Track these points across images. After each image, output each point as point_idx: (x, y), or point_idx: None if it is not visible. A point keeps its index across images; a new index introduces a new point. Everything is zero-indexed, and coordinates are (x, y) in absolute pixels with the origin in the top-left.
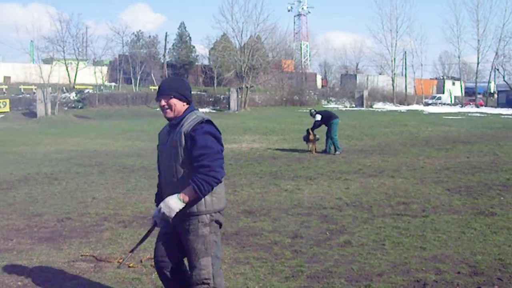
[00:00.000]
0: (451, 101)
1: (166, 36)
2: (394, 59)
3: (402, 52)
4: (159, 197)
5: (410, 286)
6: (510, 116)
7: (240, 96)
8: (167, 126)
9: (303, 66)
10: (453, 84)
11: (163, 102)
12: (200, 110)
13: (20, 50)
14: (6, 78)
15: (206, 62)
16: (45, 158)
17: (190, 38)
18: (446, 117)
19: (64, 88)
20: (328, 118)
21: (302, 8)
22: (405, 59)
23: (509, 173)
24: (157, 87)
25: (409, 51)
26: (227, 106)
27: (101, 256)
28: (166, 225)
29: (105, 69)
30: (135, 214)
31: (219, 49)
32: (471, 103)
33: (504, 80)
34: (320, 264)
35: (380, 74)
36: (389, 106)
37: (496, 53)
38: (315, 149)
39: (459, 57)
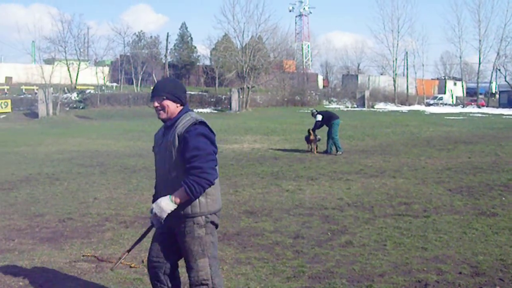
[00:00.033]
0: (452, 102)
1: (167, 36)
2: (396, 59)
3: (403, 52)
4: (156, 198)
5: (412, 287)
6: (511, 117)
7: (241, 97)
8: (163, 127)
9: (304, 67)
10: (455, 84)
11: (156, 103)
12: (202, 110)
13: (22, 51)
14: (8, 79)
15: (207, 62)
16: (47, 159)
17: (191, 38)
18: (447, 117)
19: (65, 88)
20: (329, 118)
21: (304, 9)
22: (407, 59)
23: (510, 174)
24: None
25: (410, 51)
26: (229, 106)
27: (103, 257)
28: (162, 225)
29: (106, 69)
30: (136, 214)
31: (220, 50)
32: (472, 104)
33: (505, 81)
34: (321, 264)
35: (381, 74)
36: (391, 107)
37: (498, 54)
38: (316, 149)
39: (460, 58)
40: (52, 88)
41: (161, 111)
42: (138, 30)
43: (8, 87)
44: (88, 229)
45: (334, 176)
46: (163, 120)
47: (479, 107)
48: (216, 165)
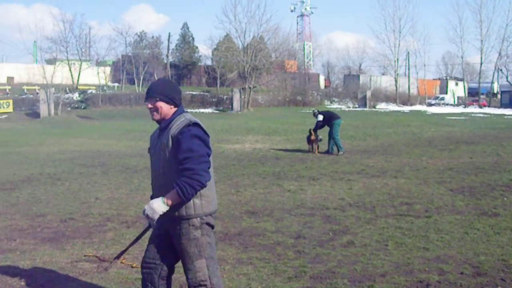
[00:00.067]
0: (454, 102)
1: (169, 36)
2: (397, 59)
3: (405, 52)
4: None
5: (413, 287)
6: None
7: (243, 97)
8: (158, 129)
9: (306, 67)
10: (456, 84)
11: (149, 105)
12: (203, 110)
13: (23, 51)
14: (9, 79)
15: (209, 62)
16: (48, 159)
17: (193, 38)
18: (449, 117)
19: (67, 88)
20: (330, 118)
21: (305, 9)
22: (408, 60)
23: None
24: None
25: (412, 51)
26: (230, 106)
27: (104, 257)
28: (158, 227)
29: (108, 69)
30: (138, 214)
31: (222, 50)
32: (474, 104)
33: (507, 81)
34: (323, 264)
35: (383, 74)
36: (392, 107)
37: (499, 54)
38: (318, 149)
39: (462, 58)
40: (53, 88)
41: (155, 113)
42: (139, 30)
43: (9, 87)
44: (90, 229)
45: (335, 176)
46: (157, 122)
47: (480, 107)
48: (209, 167)
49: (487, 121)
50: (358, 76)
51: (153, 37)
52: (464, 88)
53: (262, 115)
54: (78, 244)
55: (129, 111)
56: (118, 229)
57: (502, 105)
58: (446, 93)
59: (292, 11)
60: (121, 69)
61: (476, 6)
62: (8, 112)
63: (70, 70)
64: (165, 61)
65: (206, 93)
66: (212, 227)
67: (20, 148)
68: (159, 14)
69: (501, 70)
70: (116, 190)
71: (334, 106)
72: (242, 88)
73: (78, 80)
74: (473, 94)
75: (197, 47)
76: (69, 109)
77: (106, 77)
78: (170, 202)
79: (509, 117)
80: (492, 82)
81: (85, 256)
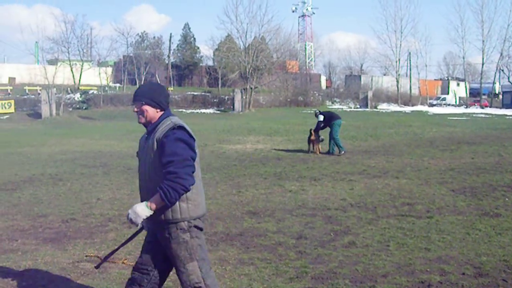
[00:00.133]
0: (455, 102)
1: (170, 37)
2: (399, 60)
3: (406, 53)
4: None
5: (415, 287)
6: None
7: (244, 97)
8: (146, 132)
9: (307, 67)
10: (458, 85)
11: (135, 108)
12: (205, 111)
13: (25, 51)
14: (11, 79)
15: (210, 63)
16: (50, 159)
17: (194, 39)
18: (450, 118)
19: (68, 89)
20: (330, 118)
21: (307, 9)
22: (410, 60)
23: None
24: None
25: (413, 52)
26: (232, 107)
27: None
28: (149, 234)
29: (109, 70)
30: None
31: (223, 50)
32: (475, 104)
33: (509, 81)
34: (324, 265)
35: (384, 75)
36: (394, 107)
37: (501, 54)
38: (319, 150)
39: (463, 58)
40: (55, 89)
41: (140, 116)
42: (141, 30)
43: (11, 87)
44: (91, 229)
45: (337, 176)
46: (144, 125)
47: (482, 108)
48: (193, 171)
49: (488, 121)
50: (360, 76)
51: (154, 37)
52: (466, 89)
53: (263, 116)
54: (80, 244)
55: (130, 111)
56: (120, 229)
57: (504, 106)
58: (448, 94)
59: (293, 11)
60: (123, 70)
61: (478, 6)
62: (9, 113)
63: (71, 70)
64: (167, 62)
65: (207, 94)
66: (201, 229)
67: (21, 149)
68: (161, 14)
69: (502, 70)
70: (118, 190)
71: (336, 107)
72: (244, 89)
73: (79, 81)
74: (474, 95)
75: (198, 48)
76: (70, 109)
77: (107, 78)
78: (154, 206)
79: (510, 117)
80: (494, 83)
81: (86, 256)
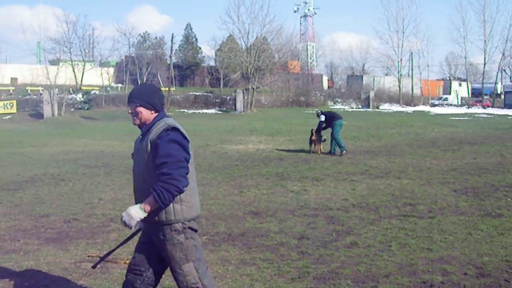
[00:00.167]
0: (457, 102)
1: (172, 37)
2: (401, 60)
3: (408, 53)
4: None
5: (417, 287)
6: None
7: (246, 97)
8: (140, 134)
9: (309, 67)
10: (460, 85)
11: (130, 110)
12: (207, 111)
13: (27, 52)
14: (13, 80)
15: (212, 63)
16: (52, 159)
17: (196, 39)
18: (452, 118)
19: (70, 89)
20: (331, 118)
21: (308, 9)
22: (412, 60)
23: None
24: (163, 89)
25: (415, 52)
26: (233, 107)
27: (108, 257)
28: (143, 235)
29: (111, 70)
30: None
31: (225, 50)
32: (477, 104)
33: (511, 81)
34: (326, 265)
35: (386, 75)
36: (396, 107)
37: (503, 54)
38: (320, 150)
39: (465, 58)
40: (57, 89)
41: (135, 118)
42: (143, 31)
43: (13, 88)
44: (93, 229)
45: (339, 176)
46: (138, 127)
47: (484, 108)
48: (187, 173)
49: (490, 121)
50: (362, 76)
51: (156, 38)
52: (468, 89)
53: (265, 116)
54: (82, 244)
55: None
56: (122, 229)
57: (506, 106)
58: (450, 94)
59: (295, 11)
60: (125, 70)
61: (480, 6)
62: (11, 113)
63: (73, 71)
64: (169, 62)
65: (209, 94)
66: (195, 231)
67: (23, 149)
68: (163, 15)
69: (504, 70)
70: (120, 190)
71: (337, 107)
72: (245, 89)
73: (81, 81)
74: (476, 95)
75: (200, 48)
76: (72, 109)
77: (109, 78)
78: (148, 208)
79: None
80: (496, 83)
81: (88, 256)
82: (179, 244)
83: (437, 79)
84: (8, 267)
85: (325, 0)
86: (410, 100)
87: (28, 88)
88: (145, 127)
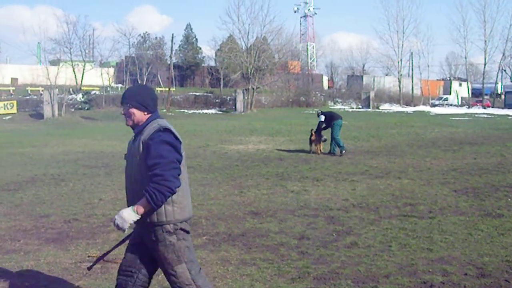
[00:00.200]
0: (458, 102)
1: (172, 37)
2: (401, 60)
3: (408, 53)
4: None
5: None
6: None
7: (246, 97)
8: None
9: (309, 67)
10: (460, 85)
11: (123, 111)
12: (207, 111)
13: (27, 52)
14: (13, 80)
15: (212, 63)
16: (52, 160)
17: (196, 39)
18: (453, 118)
19: (71, 89)
20: (331, 118)
21: (309, 9)
22: (412, 60)
23: None
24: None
25: (415, 52)
26: (234, 107)
27: (108, 257)
28: (135, 236)
29: (111, 70)
30: None
31: (225, 51)
32: (478, 104)
33: (511, 81)
34: (326, 265)
35: (386, 75)
36: (396, 107)
37: (503, 54)
38: (320, 150)
39: (466, 58)
40: (57, 89)
41: (128, 119)
42: (143, 31)
43: (13, 88)
44: (94, 229)
45: (339, 177)
46: (131, 127)
47: (484, 108)
48: (179, 174)
49: (491, 121)
50: (362, 76)
51: (156, 38)
52: (468, 89)
53: (265, 116)
54: (82, 244)
55: None
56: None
57: (506, 106)
58: (450, 94)
59: (295, 11)
60: (125, 70)
61: (480, 6)
62: (12, 113)
63: (73, 71)
64: (169, 62)
65: (209, 94)
66: (188, 232)
67: (24, 149)
68: (163, 15)
69: (505, 70)
70: (120, 191)
71: (338, 107)
72: (246, 89)
73: (81, 81)
74: (477, 95)
75: (200, 48)
76: (72, 110)
77: (109, 78)
78: (140, 210)
79: None
80: (496, 83)
81: (89, 256)
82: (171, 245)
83: (437, 79)
84: (8, 267)
85: (325, 0)
86: (410, 100)
87: (29, 88)
88: (137, 128)
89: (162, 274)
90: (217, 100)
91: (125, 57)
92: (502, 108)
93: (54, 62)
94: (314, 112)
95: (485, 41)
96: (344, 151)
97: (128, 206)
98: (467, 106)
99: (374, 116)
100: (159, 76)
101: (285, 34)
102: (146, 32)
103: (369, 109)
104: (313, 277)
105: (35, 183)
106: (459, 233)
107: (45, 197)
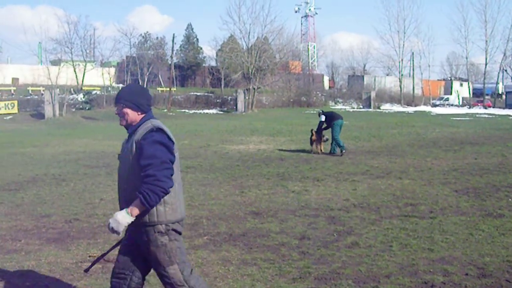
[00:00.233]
0: (458, 102)
1: (173, 37)
2: (402, 60)
3: (409, 53)
4: (120, 205)
5: None
6: None
7: (247, 97)
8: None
9: (310, 67)
10: (461, 85)
11: (116, 111)
12: (208, 111)
13: (28, 52)
14: (14, 80)
15: (213, 63)
16: (53, 159)
17: (197, 39)
18: (453, 118)
19: (72, 89)
20: (331, 118)
21: (309, 9)
22: (413, 60)
23: None
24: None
25: (416, 52)
26: (235, 107)
27: (109, 257)
28: (128, 238)
29: (112, 70)
30: None
31: (226, 51)
32: (479, 104)
33: None
34: (327, 265)
35: (387, 75)
36: (397, 107)
37: (504, 54)
38: (321, 150)
39: (466, 58)
40: (58, 89)
41: (121, 119)
42: (144, 31)
43: (14, 88)
44: (95, 229)
45: (340, 177)
46: (125, 127)
47: (485, 108)
48: (172, 174)
49: (492, 121)
50: (363, 76)
51: (157, 38)
52: (469, 89)
53: (266, 116)
54: (83, 244)
55: None
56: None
57: (507, 106)
58: (451, 94)
59: (296, 12)
60: (126, 70)
61: (481, 6)
62: (13, 113)
63: (74, 71)
64: (170, 62)
65: (210, 94)
66: (179, 233)
67: (25, 149)
68: (164, 15)
69: (506, 70)
70: None
71: (339, 107)
72: (246, 89)
73: (82, 81)
74: (477, 95)
75: (201, 48)
76: (73, 110)
77: (110, 78)
78: (135, 212)
79: None
80: (497, 83)
81: (90, 256)
82: (162, 246)
83: (438, 79)
84: (9, 267)
85: (326, 0)
86: (411, 100)
87: (30, 88)
88: (131, 128)
89: None
90: (218, 100)
91: (126, 57)
92: (503, 108)
93: (55, 62)
94: (315, 112)
95: (486, 41)
96: (344, 151)
97: (120, 206)
98: (468, 106)
99: (375, 116)
100: (160, 76)
101: (286, 34)
102: (147, 32)
103: (370, 109)
104: (314, 277)
105: (36, 183)
106: (460, 233)
107: (46, 197)
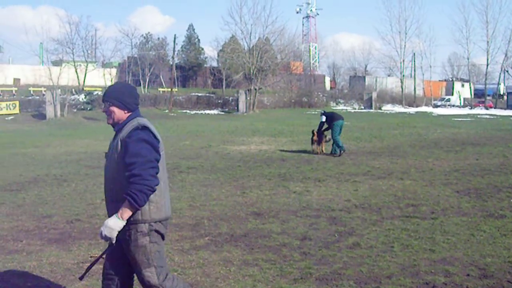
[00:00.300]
0: (460, 103)
1: (174, 38)
2: (403, 60)
3: (411, 53)
4: (106, 205)
5: None
6: None
7: (248, 98)
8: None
9: (311, 68)
10: (462, 86)
11: (103, 109)
12: (209, 112)
13: (30, 52)
14: (16, 80)
15: (214, 64)
16: (55, 160)
17: (198, 40)
18: (455, 119)
19: (73, 90)
20: (331, 119)
21: (311, 10)
22: (414, 61)
23: None
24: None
25: (418, 52)
26: (236, 108)
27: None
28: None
29: (114, 71)
30: None
31: (227, 51)
32: (480, 105)
33: None
34: (328, 266)
35: (388, 76)
36: (398, 108)
37: (506, 55)
38: (322, 150)
39: (468, 59)
40: (59, 90)
41: (108, 117)
42: (145, 31)
43: (16, 88)
44: (96, 230)
45: (341, 177)
46: (112, 125)
47: (487, 109)
48: (157, 172)
49: (493, 122)
50: (364, 77)
51: (158, 38)
52: (470, 90)
53: (267, 117)
54: (84, 245)
55: None
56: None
57: (509, 107)
58: (452, 95)
59: (297, 12)
60: (127, 71)
61: (482, 7)
62: (14, 114)
63: (76, 71)
64: (171, 63)
65: (211, 95)
66: (162, 236)
67: (26, 150)
68: (165, 15)
69: (507, 71)
70: None
71: (340, 108)
72: (248, 90)
73: (84, 82)
74: (479, 96)
75: (202, 49)
76: (75, 110)
77: (112, 79)
78: (125, 215)
79: None
80: (499, 84)
81: (91, 257)
82: (142, 247)
83: (439, 80)
84: (10, 267)
85: (327, 1)
86: (412, 101)
87: (31, 88)
88: (118, 126)
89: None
90: (219, 101)
91: (128, 57)
92: (505, 109)
93: (57, 63)
94: (316, 112)
95: (488, 42)
96: (343, 151)
97: (107, 207)
98: (470, 107)
99: (376, 116)
100: (161, 76)
101: (288, 35)
102: (149, 32)
103: (371, 110)
104: (315, 278)
105: (37, 183)
106: (461, 234)
107: (48, 198)
